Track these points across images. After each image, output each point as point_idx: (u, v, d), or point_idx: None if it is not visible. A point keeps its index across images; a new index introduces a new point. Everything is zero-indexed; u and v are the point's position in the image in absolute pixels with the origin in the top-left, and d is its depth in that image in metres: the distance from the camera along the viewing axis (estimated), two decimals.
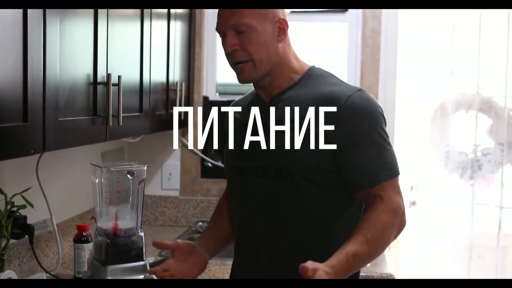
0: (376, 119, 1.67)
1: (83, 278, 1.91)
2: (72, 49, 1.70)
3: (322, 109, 1.65)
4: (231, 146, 1.82)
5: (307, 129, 1.65)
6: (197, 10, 3.09)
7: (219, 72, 3.24)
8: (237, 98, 3.15)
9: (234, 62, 1.70)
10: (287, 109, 1.70)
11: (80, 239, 2.17)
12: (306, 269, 1.45)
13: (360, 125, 1.65)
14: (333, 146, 1.64)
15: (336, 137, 1.64)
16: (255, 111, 1.77)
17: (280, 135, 1.68)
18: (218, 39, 3.19)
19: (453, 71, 3.27)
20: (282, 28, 1.70)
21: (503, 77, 3.20)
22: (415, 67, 3.30)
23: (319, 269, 1.46)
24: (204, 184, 3.22)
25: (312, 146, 1.64)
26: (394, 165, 1.67)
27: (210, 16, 3.19)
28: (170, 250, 1.79)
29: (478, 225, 3.29)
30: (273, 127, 1.70)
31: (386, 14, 3.00)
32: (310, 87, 1.71)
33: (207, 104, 3.21)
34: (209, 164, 3.23)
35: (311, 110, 1.66)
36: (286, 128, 1.68)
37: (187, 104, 2.97)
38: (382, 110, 1.71)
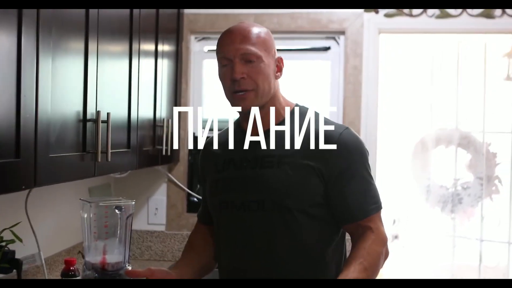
0: (364, 156, 1.80)
1: None
2: (64, 86, 1.75)
3: (316, 145, 1.74)
4: (214, 182, 1.86)
5: (299, 164, 1.73)
6: (184, 48, 3.17)
7: (205, 109, 3.30)
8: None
9: (237, 89, 1.73)
10: (279, 145, 1.76)
11: (67, 273, 2.18)
12: None
13: (352, 161, 1.75)
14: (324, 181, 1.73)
15: (329, 171, 1.73)
16: (236, 146, 1.82)
17: (274, 169, 1.74)
18: (204, 76, 3.27)
19: (432, 107, 3.36)
20: (279, 66, 1.81)
21: (481, 113, 3.29)
22: (395, 103, 3.39)
23: None
24: (190, 218, 3.25)
25: (308, 180, 1.72)
26: (379, 199, 1.80)
27: (196, 54, 3.26)
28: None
29: (460, 258, 3.35)
30: (264, 163, 1.76)
31: (367, 52, 3.09)
32: (300, 124, 1.78)
33: (193, 140, 3.26)
34: (195, 199, 3.26)
35: (304, 146, 1.74)
36: (279, 163, 1.74)
37: (172, 140, 3.01)
38: (365, 146, 1.83)
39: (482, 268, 3.33)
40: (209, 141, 1.97)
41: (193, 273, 1.87)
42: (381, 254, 1.73)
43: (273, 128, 1.79)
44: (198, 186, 3.27)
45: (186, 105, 3.21)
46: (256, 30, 1.76)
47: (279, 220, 1.73)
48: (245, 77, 1.72)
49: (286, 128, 1.79)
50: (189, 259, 1.93)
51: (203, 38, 3.28)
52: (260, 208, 1.75)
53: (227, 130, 1.93)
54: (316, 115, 1.83)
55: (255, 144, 1.79)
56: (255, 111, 1.77)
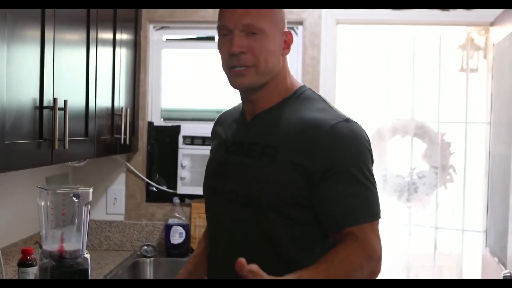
0: (360, 153, 1.51)
1: None
2: (19, 73, 1.74)
3: (302, 136, 1.51)
4: (209, 162, 1.74)
5: (281, 156, 1.52)
6: (142, 37, 3.15)
7: (164, 98, 3.30)
8: (181, 123, 3.24)
9: (236, 64, 1.55)
10: (263, 132, 1.59)
11: (24, 263, 2.17)
12: (242, 266, 1.32)
13: (340, 157, 1.48)
14: (308, 178, 1.50)
15: (313, 168, 1.49)
16: (234, 128, 1.68)
17: (254, 160, 1.56)
18: (163, 65, 3.26)
19: (389, 98, 3.42)
20: (287, 41, 1.61)
21: (436, 104, 3.36)
22: (352, 94, 3.43)
23: (259, 274, 1.33)
24: (149, 208, 3.25)
25: (287, 177, 1.51)
26: (375, 207, 1.52)
27: (154, 43, 3.25)
28: None
29: (415, 246, 3.42)
30: (248, 152, 1.59)
31: (325, 42, 3.12)
32: (294, 110, 1.58)
33: (152, 130, 3.26)
34: (154, 189, 3.26)
35: (289, 137, 1.53)
36: (261, 153, 1.56)
37: (132, 129, 3.01)
38: (370, 147, 1.56)
39: (437, 255, 3.41)
40: (219, 116, 1.81)
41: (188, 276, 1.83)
42: (358, 267, 1.46)
43: (265, 112, 1.61)
44: (157, 175, 3.26)
45: (144, 94, 3.20)
46: None
47: (251, 217, 1.54)
48: (245, 51, 1.54)
49: (278, 113, 1.58)
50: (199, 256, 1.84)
51: (162, 27, 3.27)
52: (235, 200, 1.58)
53: (236, 106, 1.76)
54: (318, 100, 1.60)
55: (249, 130, 1.62)
56: (253, 90, 1.59)
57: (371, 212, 1.51)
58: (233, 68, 1.56)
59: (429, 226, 3.41)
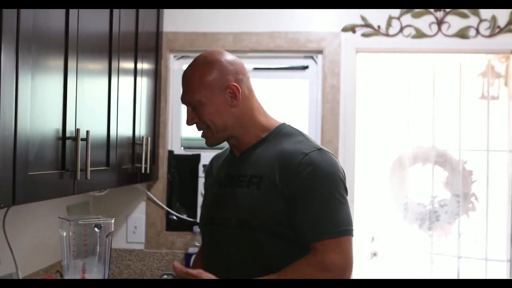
0: (330, 178, 1.73)
1: None
2: (43, 104, 1.75)
3: (281, 165, 1.72)
4: (205, 196, 1.96)
5: (266, 184, 1.73)
6: (163, 66, 3.18)
7: (184, 127, 3.31)
8: (201, 152, 3.26)
9: (198, 131, 1.87)
10: (251, 164, 1.79)
11: None
12: (176, 267, 1.66)
13: (310, 182, 1.71)
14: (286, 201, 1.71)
15: (290, 192, 1.71)
16: (226, 165, 1.89)
17: (243, 189, 1.77)
18: None
19: (409, 125, 3.40)
20: (233, 93, 1.80)
21: (457, 131, 3.34)
22: (373, 121, 3.42)
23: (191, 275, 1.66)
24: (169, 237, 3.24)
25: (271, 201, 1.72)
26: (343, 225, 1.71)
27: (175, 72, 3.28)
28: None
29: (438, 275, 3.37)
30: (238, 182, 1.79)
31: (345, 71, 3.13)
32: (276, 144, 1.79)
33: (172, 158, 3.27)
34: (174, 217, 3.26)
35: (271, 166, 1.74)
36: (249, 183, 1.76)
37: (153, 158, 3.02)
38: (341, 171, 1.78)
39: None
40: (212, 158, 2.04)
41: None
42: (309, 276, 1.66)
43: (250, 148, 1.84)
44: (177, 204, 3.26)
45: (165, 123, 3.22)
46: (197, 72, 1.80)
47: (243, 238, 1.75)
48: (196, 121, 1.84)
49: (262, 148, 1.80)
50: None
51: (182, 57, 3.30)
52: (229, 225, 1.79)
53: (226, 149, 2.01)
54: (297, 135, 1.83)
55: (238, 164, 1.84)
56: (224, 141, 1.86)
57: (336, 229, 1.69)
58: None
59: (451, 255, 3.36)
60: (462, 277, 3.34)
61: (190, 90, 1.81)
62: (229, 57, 1.83)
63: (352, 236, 1.72)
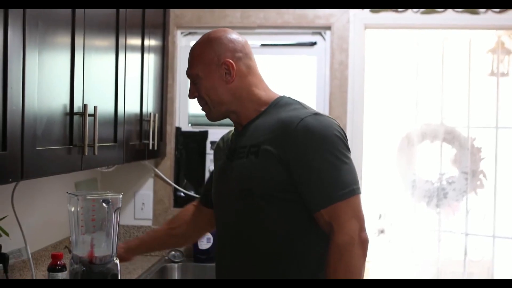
0: (328, 140, 1.71)
1: None
2: (50, 80, 1.75)
3: (278, 132, 1.73)
4: (214, 173, 1.99)
5: (263, 152, 1.74)
6: (170, 43, 3.16)
7: (191, 104, 3.31)
8: (208, 128, 3.26)
9: (199, 106, 1.92)
10: (250, 136, 1.81)
11: (54, 268, 2.18)
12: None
13: (309, 146, 1.70)
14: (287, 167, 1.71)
15: (288, 158, 1.70)
16: (229, 141, 1.93)
17: (243, 159, 1.79)
18: None
19: (418, 102, 3.38)
20: (228, 70, 1.83)
21: (466, 108, 3.32)
22: (381, 98, 3.41)
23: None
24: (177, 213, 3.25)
25: (269, 168, 1.72)
26: (350, 184, 1.69)
27: (182, 48, 3.26)
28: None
29: (445, 252, 3.38)
30: (239, 154, 1.82)
31: (353, 47, 3.11)
32: (273, 115, 1.81)
33: (180, 135, 3.27)
34: (182, 194, 3.27)
35: (269, 135, 1.75)
36: (248, 153, 1.79)
37: (160, 134, 3.02)
38: (339, 131, 1.75)
39: (467, 262, 3.36)
40: (222, 137, 2.07)
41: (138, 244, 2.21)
42: (348, 263, 1.66)
43: (250, 122, 1.86)
44: (185, 180, 3.27)
45: (172, 100, 3.22)
46: (198, 47, 1.87)
47: (247, 207, 1.77)
48: (196, 95, 1.89)
49: (261, 120, 1.82)
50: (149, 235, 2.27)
51: (190, 33, 3.28)
52: (232, 196, 1.81)
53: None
54: (294, 104, 1.84)
55: (239, 138, 1.87)
56: (224, 117, 1.91)
57: (345, 190, 1.67)
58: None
59: (459, 232, 3.36)
60: (469, 254, 3.34)
61: (190, 64, 1.89)
62: (231, 35, 1.87)
63: (360, 193, 1.71)
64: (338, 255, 1.66)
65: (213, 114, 1.89)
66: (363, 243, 1.69)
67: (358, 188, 1.71)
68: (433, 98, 3.36)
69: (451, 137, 3.39)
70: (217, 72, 1.83)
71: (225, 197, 1.87)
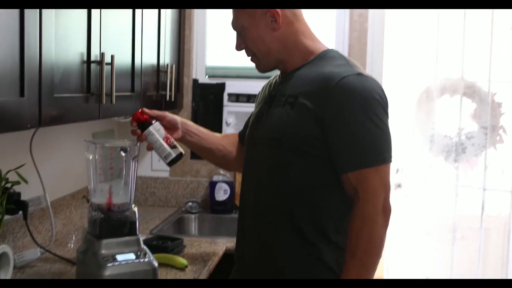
0: (367, 103, 1.64)
1: (78, 252, 1.94)
2: (67, 27, 1.74)
3: (317, 87, 1.68)
4: (250, 117, 1.97)
5: (300, 104, 1.69)
6: None
7: (209, 55, 3.28)
8: (226, 80, 3.24)
9: (248, 57, 1.87)
10: (291, 85, 1.77)
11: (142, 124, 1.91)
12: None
13: (347, 106, 1.64)
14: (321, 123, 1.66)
15: (324, 116, 1.65)
16: (271, 85, 1.90)
17: (279, 108, 1.75)
18: (208, 23, 3.24)
19: (438, 56, 3.32)
20: (274, 17, 1.77)
21: (487, 62, 3.26)
22: (401, 51, 3.35)
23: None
24: (194, 165, 3.27)
25: (302, 121, 1.67)
26: (382, 152, 1.65)
27: None
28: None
29: (462, 207, 3.36)
30: (276, 102, 1.78)
31: None
32: (317, 67, 1.75)
33: (197, 87, 3.25)
34: None
35: (308, 87, 1.70)
36: (285, 102, 1.74)
37: (177, 86, 3.01)
38: (381, 95, 1.68)
39: (484, 217, 3.34)
40: (269, 80, 2.01)
41: (199, 138, 2.05)
42: (370, 232, 1.64)
43: (294, 71, 1.82)
44: None
45: (189, 51, 3.19)
46: None
47: (274, 156, 1.74)
48: (243, 47, 1.85)
49: (304, 70, 1.77)
50: (207, 133, 2.09)
51: None
52: (262, 144, 1.78)
53: (276, 76, 1.98)
54: (339, 59, 1.78)
55: (280, 85, 1.83)
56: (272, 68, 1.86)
57: (377, 156, 1.63)
58: None
59: (476, 187, 3.34)
60: (486, 209, 3.32)
61: (234, 16, 1.83)
62: None
63: (391, 162, 1.67)
64: (361, 223, 1.65)
65: (263, 65, 1.85)
66: (387, 213, 1.67)
67: (390, 157, 1.67)
68: (453, 52, 3.30)
69: (471, 91, 3.34)
70: (263, 21, 1.78)
71: (255, 143, 1.84)
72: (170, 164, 1.89)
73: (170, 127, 1.94)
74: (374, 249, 1.66)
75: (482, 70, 3.30)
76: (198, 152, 2.11)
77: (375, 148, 1.64)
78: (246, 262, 1.83)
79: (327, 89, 1.66)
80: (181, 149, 1.89)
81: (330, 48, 1.85)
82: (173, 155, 1.87)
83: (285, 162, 1.72)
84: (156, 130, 1.88)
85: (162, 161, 1.89)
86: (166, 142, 1.87)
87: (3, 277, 1.94)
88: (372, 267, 1.67)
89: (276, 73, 1.94)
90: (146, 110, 1.93)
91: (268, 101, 1.84)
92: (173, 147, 1.88)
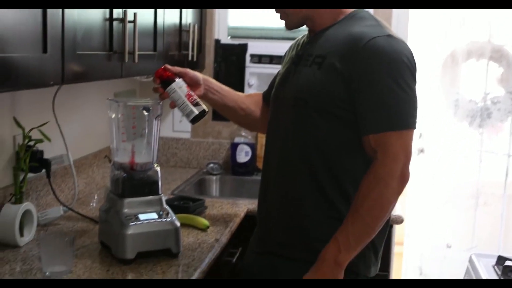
0: (395, 65, 1.61)
1: (100, 210, 1.95)
2: None
3: (346, 47, 1.64)
4: (279, 74, 1.93)
5: (327, 64, 1.66)
6: None
7: (231, 16, 3.24)
8: (248, 41, 3.20)
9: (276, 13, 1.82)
10: (319, 45, 1.73)
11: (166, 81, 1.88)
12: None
13: (374, 67, 1.61)
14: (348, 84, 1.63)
15: (352, 76, 1.62)
16: (299, 45, 1.86)
17: (306, 67, 1.72)
18: None
19: (465, 19, 3.26)
20: None
21: None
22: (427, 14, 3.29)
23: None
24: (216, 126, 3.25)
25: (330, 81, 1.65)
26: (406, 117, 1.61)
27: None
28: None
29: (486, 173, 3.33)
30: (303, 61, 1.75)
31: None
32: (346, 26, 1.71)
33: (219, 47, 3.22)
34: None
35: (336, 47, 1.67)
36: (312, 62, 1.71)
37: (199, 46, 2.98)
38: (409, 59, 1.64)
39: (508, 183, 3.31)
40: (297, 38, 1.96)
41: (220, 95, 2.02)
42: (380, 193, 1.59)
43: (322, 30, 1.78)
44: None
45: (211, 11, 3.15)
46: None
47: (298, 116, 1.71)
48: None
49: (333, 30, 1.73)
50: (229, 90, 2.05)
51: None
52: (288, 103, 1.76)
53: (304, 35, 1.93)
54: (369, 19, 1.73)
55: (308, 45, 1.79)
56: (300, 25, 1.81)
57: (399, 120, 1.59)
58: None
59: (501, 153, 3.30)
60: (510, 175, 3.29)
61: None
62: None
63: (415, 128, 1.63)
64: (374, 183, 1.60)
65: (291, 23, 1.79)
66: (403, 180, 1.62)
67: (414, 123, 1.63)
68: (480, 14, 3.23)
69: (498, 55, 3.28)
70: None
71: (281, 102, 1.81)
72: (193, 121, 1.86)
73: (192, 83, 1.91)
74: (380, 211, 1.61)
75: (510, 33, 3.23)
76: (220, 110, 2.07)
77: (399, 111, 1.60)
78: (270, 222, 1.82)
79: (355, 50, 1.62)
80: (204, 106, 1.86)
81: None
82: (196, 112, 1.84)
83: (309, 123, 1.70)
84: (179, 87, 1.85)
85: (185, 119, 1.86)
86: (189, 99, 1.84)
87: (27, 234, 1.95)
88: (373, 229, 1.62)
89: (304, 32, 1.90)
90: (168, 66, 1.88)
91: (296, 60, 1.80)
92: (195, 104, 1.84)
